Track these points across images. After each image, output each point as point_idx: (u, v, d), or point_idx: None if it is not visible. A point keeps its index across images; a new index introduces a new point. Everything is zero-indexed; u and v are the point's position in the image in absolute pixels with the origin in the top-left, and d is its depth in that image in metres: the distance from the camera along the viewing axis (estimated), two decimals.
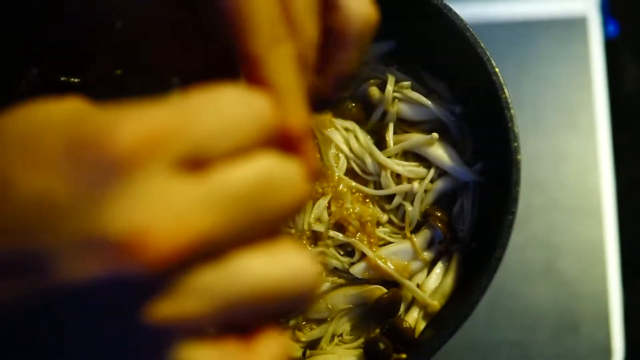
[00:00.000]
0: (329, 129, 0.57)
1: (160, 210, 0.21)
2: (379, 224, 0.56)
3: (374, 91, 0.58)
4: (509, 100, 0.51)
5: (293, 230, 0.55)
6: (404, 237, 0.56)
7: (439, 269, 0.56)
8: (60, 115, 0.22)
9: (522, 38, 0.80)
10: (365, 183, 0.57)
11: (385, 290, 0.55)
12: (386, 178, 0.56)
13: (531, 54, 0.79)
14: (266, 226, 0.24)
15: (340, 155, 0.57)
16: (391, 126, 0.57)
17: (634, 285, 0.76)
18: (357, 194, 0.57)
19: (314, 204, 0.56)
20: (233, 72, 0.32)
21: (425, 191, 0.56)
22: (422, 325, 0.54)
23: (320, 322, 0.56)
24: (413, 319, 0.54)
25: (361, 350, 0.54)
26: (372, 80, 0.58)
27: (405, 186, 0.56)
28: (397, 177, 0.57)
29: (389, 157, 0.57)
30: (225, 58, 0.32)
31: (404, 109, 0.57)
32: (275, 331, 0.25)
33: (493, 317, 0.73)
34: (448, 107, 0.58)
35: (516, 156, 0.50)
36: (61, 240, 0.21)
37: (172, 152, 0.22)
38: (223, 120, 0.23)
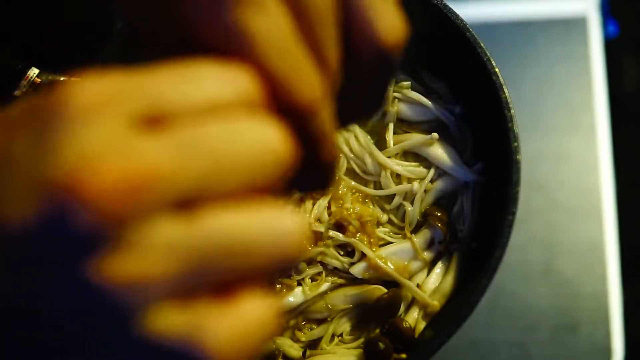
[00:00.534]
0: None
1: (109, 151, 0.19)
2: (379, 224, 0.56)
3: None
4: (509, 100, 0.51)
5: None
6: (404, 237, 0.56)
7: (439, 269, 0.56)
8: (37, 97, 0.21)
9: (522, 38, 0.80)
10: (365, 183, 0.57)
11: (385, 290, 0.55)
12: (386, 178, 0.56)
13: (531, 54, 0.79)
14: (242, 180, 0.21)
15: (340, 155, 0.57)
16: (391, 126, 0.57)
17: (634, 285, 0.76)
18: (357, 194, 0.57)
19: (314, 204, 0.56)
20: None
21: (425, 191, 0.56)
22: (422, 325, 0.54)
23: (320, 322, 0.56)
24: (413, 319, 0.54)
25: (361, 350, 0.54)
26: None
27: (405, 186, 0.56)
28: (397, 177, 0.57)
29: (388, 157, 0.57)
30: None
31: (403, 109, 0.58)
32: (260, 291, 0.22)
33: (493, 317, 0.73)
34: (448, 107, 0.58)
35: (516, 156, 0.50)
36: (8, 191, 0.20)
37: (129, 106, 0.20)
38: (187, 80, 0.21)
